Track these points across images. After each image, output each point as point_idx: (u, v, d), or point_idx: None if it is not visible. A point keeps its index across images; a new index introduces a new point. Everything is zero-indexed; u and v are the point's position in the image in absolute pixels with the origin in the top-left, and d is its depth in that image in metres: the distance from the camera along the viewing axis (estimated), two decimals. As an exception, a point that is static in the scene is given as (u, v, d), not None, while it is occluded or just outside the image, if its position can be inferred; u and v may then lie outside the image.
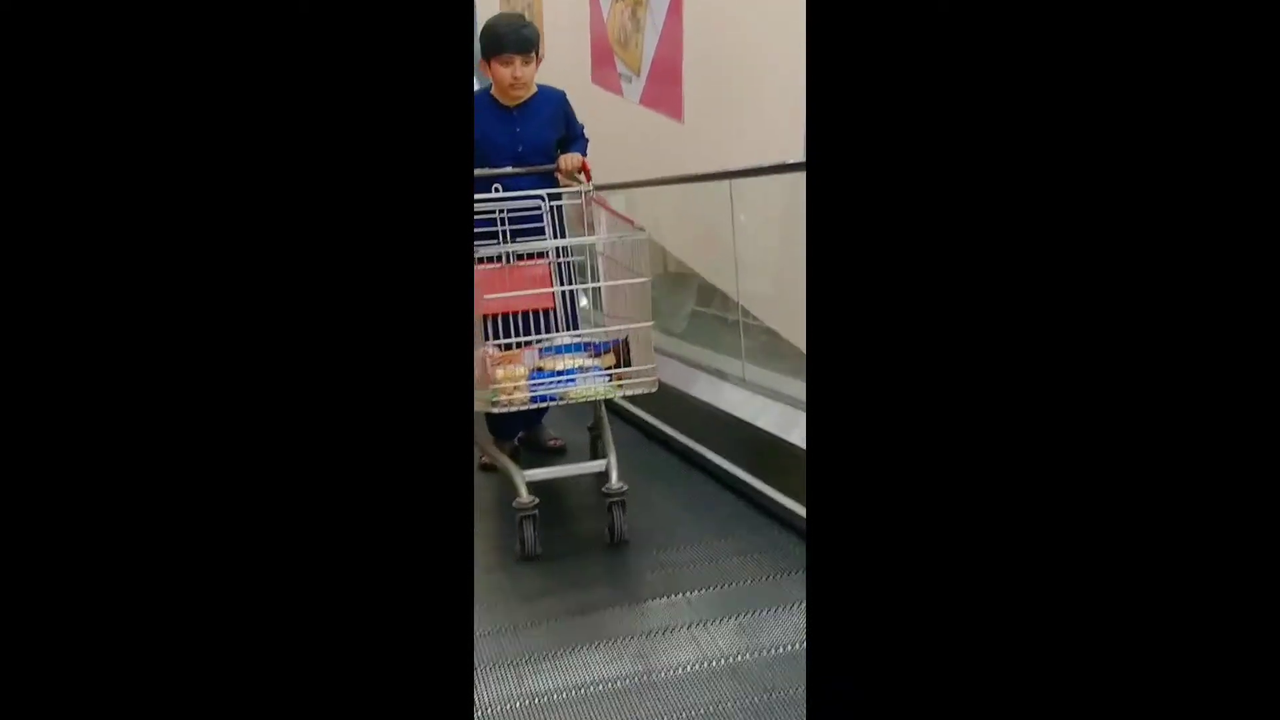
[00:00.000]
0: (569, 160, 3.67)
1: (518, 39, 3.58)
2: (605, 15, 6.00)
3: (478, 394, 3.15)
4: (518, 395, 3.01)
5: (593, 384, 3.06)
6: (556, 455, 3.98)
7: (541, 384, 3.05)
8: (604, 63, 6.11)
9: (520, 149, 3.69)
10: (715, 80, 4.72)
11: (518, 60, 3.59)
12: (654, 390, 3.05)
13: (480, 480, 3.82)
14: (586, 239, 3.47)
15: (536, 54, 3.64)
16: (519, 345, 3.17)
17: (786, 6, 3.38)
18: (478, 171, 3.61)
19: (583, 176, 3.67)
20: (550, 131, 3.75)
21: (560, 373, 3.05)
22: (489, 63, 3.64)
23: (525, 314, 3.30)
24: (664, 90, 5.44)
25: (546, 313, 3.38)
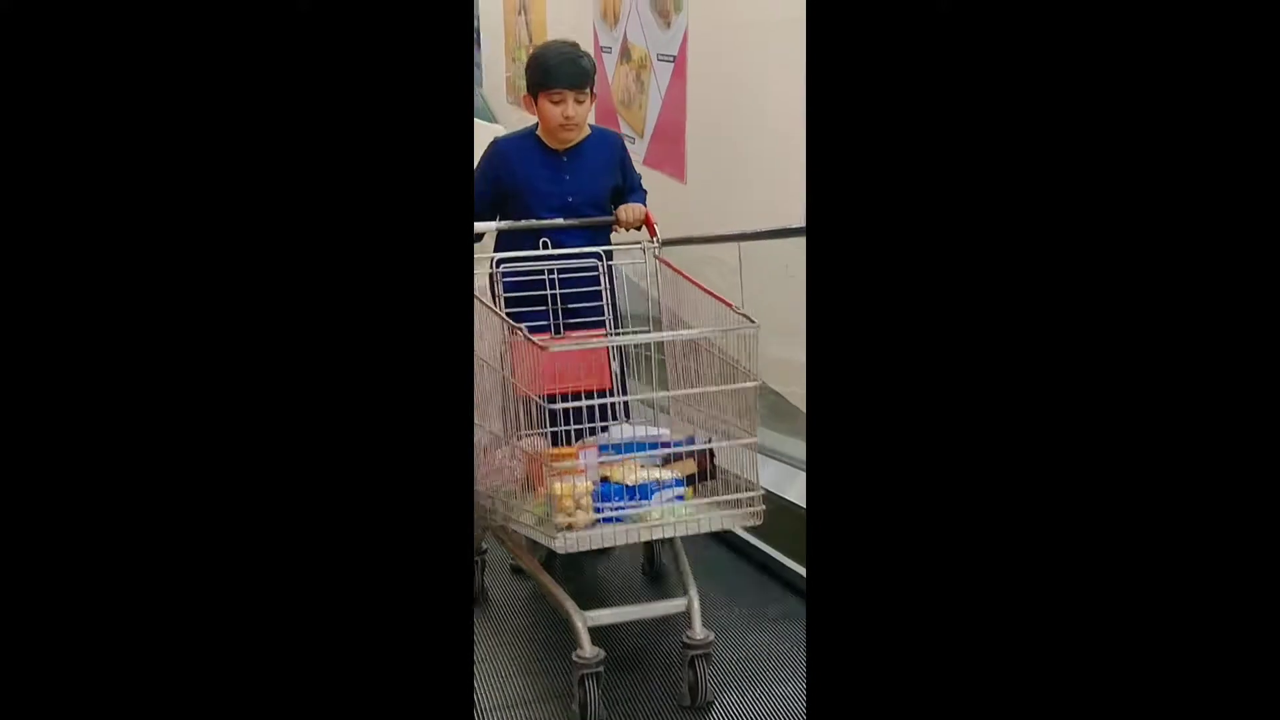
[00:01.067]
0: (630, 211, 2.78)
1: (572, 72, 2.71)
2: (610, 77, 5.60)
3: (525, 507, 2.23)
4: (580, 517, 2.09)
5: (674, 506, 2.14)
6: (600, 555, 3.02)
7: (611, 506, 2.13)
8: (607, 123, 5.58)
9: (570, 199, 2.80)
10: (718, 142, 4.39)
11: (570, 97, 2.71)
12: (759, 523, 2.15)
13: (511, 590, 2.87)
14: (688, 334, 2.42)
15: (591, 90, 2.77)
16: (571, 436, 2.25)
17: (789, 71, 3.20)
18: (521, 224, 2.73)
19: (646, 231, 2.79)
20: (605, 180, 2.86)
21: (634, 490, 2.13)
22: (535, 98, 2.77)
23: (578, 396, 2.40)
24: (667, 150, 5.15)
25: (604, 395, 2.49)
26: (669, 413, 2.54)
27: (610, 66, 5.62)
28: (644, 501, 2.12)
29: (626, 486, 2.13)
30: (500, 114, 7.30)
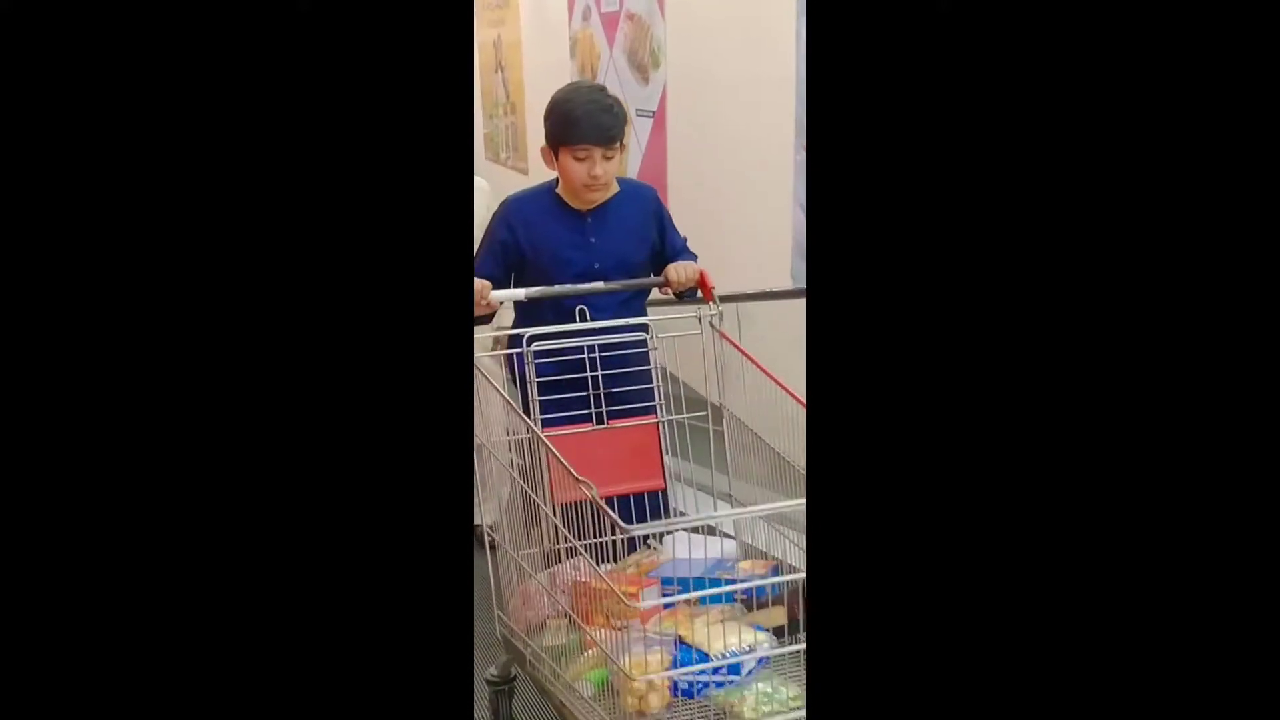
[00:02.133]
0: (681, 271, 2.13)
1: (600, 124, 2.07)
2: None
3: (576, 671, 1.59)
4: (653, 699, 1.44)
5: (766, 688, 1.48)
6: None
7: (688, 674, 1.48)
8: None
9: (596, 266, 2.17)
10: (700, 196, 4.07)
11: (597, 154, 2.08)
12: None
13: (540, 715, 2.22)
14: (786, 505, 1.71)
15: (622, 142, 2.15)
16: (619, 550, 1.64)
17: (769, 126, 3.01)
18: (553, 290, 2.08)
19: (701, 293, 2.15)
20: (638, 245, 2.23)
21: (717, 667, 1.48)
22: (555, 152, 2.14)
23: (625, 500, 1.85)
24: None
25: (660, 496, 1.90)
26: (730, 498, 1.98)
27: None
28: (731, 676, 1.47)
29: (707, 658, 1.48)
30: (478, 170, 6.73)
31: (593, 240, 2.17)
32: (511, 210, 2.20)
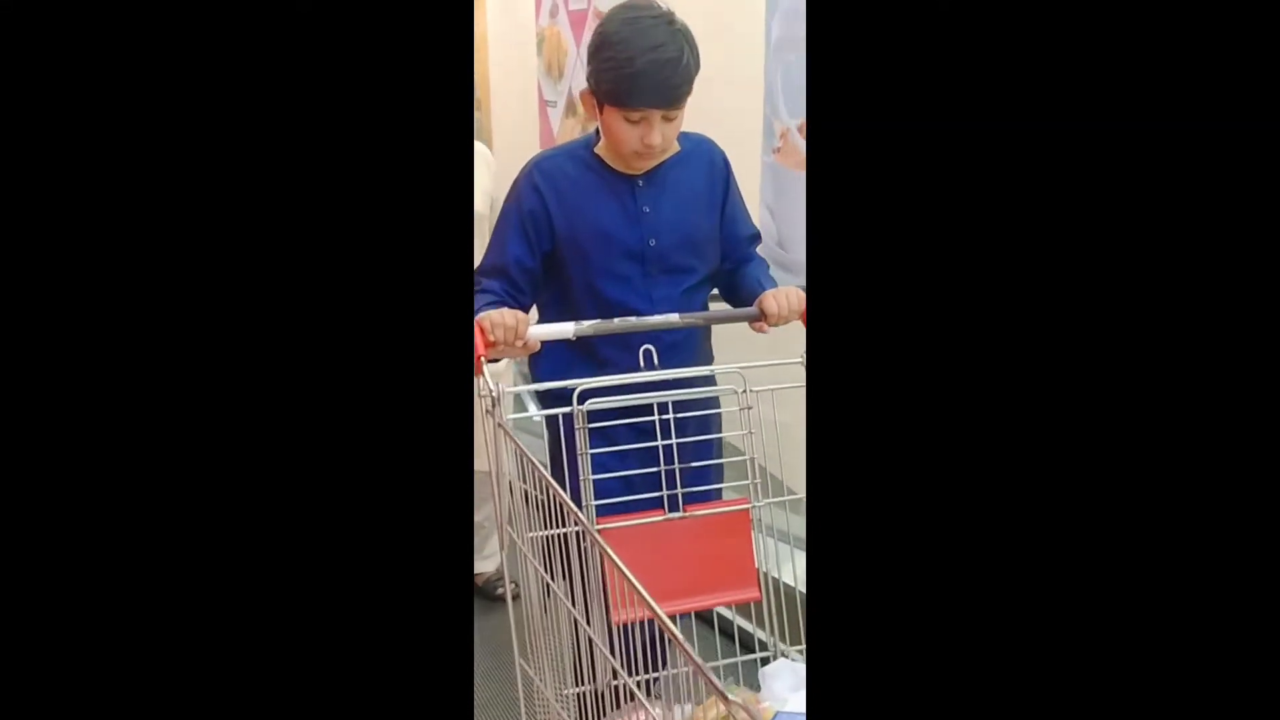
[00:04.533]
0: (784, 300, 1.34)
1: (663, 84, 1.28)
2: (555, 130, 4.42)
3: None
4: None
5: None
6: None
7: None
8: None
9: (652, 244, 1.39)
10: None
11: (656, 117, 1.31)
12: None
13: None
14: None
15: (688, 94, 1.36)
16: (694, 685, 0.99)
17: (741, 120, 2.59)
18: (611, 325, 1.29)
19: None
20: (702, 215, 1.43)
21: None
22: (600, 107, 1.34)
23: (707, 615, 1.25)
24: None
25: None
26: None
27: (556, 120, 4.41)
28: None
29: None
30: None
31: (646, 210, 1.39)
32: (540, 172, 1.39)
